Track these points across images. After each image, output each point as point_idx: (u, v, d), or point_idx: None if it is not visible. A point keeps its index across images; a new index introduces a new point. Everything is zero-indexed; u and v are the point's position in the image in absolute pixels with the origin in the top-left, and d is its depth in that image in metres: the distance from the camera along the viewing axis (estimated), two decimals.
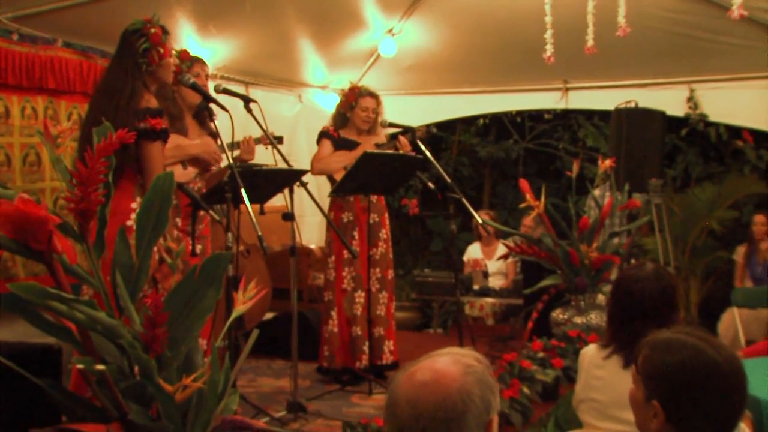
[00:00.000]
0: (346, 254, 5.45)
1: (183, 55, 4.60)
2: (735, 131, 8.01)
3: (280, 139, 5.10)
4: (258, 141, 4.92)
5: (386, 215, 5.72)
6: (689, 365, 1.84)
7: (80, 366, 1.95)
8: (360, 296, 5.52)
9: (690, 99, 7.44)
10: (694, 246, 8.05)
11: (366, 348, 5.46)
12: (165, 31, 3.81)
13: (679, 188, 8.47)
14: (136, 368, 2.16)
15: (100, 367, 2.00)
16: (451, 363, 1.62)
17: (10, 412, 2.21)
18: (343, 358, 5.52)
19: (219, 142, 4.33)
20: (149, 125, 3.54)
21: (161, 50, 3.76)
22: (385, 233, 5.67)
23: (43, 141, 2.18)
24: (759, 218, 7.32)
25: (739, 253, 7.40)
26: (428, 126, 6.47)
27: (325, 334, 5.58)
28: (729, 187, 8.08)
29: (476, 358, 1.66)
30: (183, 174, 4.38)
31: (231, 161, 4.14)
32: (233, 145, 4.65)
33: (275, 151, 4.72)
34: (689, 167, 8.67)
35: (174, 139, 4.16)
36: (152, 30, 3.75)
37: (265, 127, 4.68)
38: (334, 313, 5.55)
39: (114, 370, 2.09)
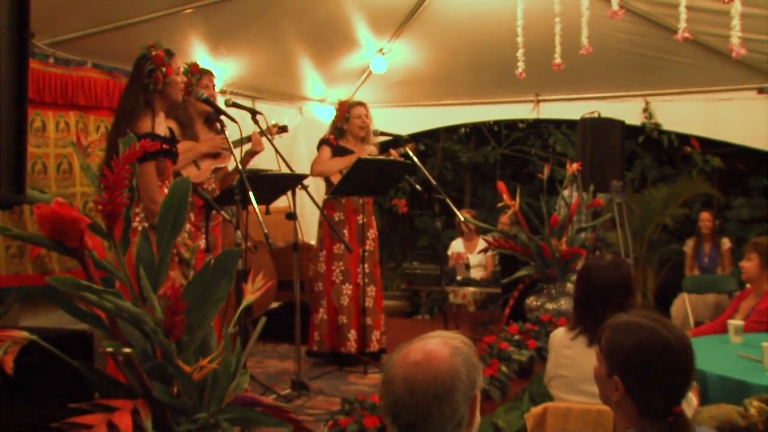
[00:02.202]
0: (335, 249, 5.46)
1: (193, 68, 4.59)
2: (684, 138, 8.03)
3: (284, 128, 5.12)
4: (262, 133, 4.83)
5: (373, 217, 5.72)
6: (645, 344, 1.86)
7: (109, 349, 1.96)
8: (348, 288, 5.49)
9: (645, 110, 7.45)
10: (651, 239, 8.09)
11: (350, 335, 5.46)
12: (169, 54, 3.80)
13: (637, 189, 8.50)
14: (159, 351, 2.17)
15: (127, 350, 2.00)
16: (440, 345, 1.62)
17: (49, 389, 2.22)
18: (331, 342, 5.51)
19: (230, 150, 4.32)
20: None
21: (164, 69, 3.76)
22: (373, 232, 5.67)
23: (75, 151, 2.18)
24: (705, 215, 7.37)
25: (689, 245, 7.44)
26: (416, 138, 6.47)
27: (315, 321, 5.56)
28: (680, 187, 8.12)
29: (462, 340, 1.66)
30: (198, 174, 4.39)
31: (241, 168, 4.14)
32: (242, 141, 4.67)
33: (279, 157, 4.73)
34: (645, 170, 8.70)
35: (185, 144, 4.16)
36: (154, 52, 3.76)
37: (270, 127, 4.71)
38: (323, 302, 5.54)
39: (139, 353, 2.10)
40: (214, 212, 4.20)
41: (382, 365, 5.37)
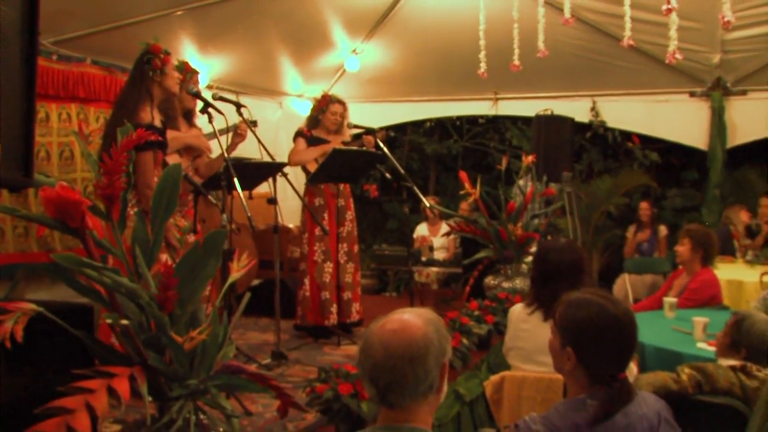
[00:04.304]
0: (317, 231, 5.45)
1: (186, 66, 4.56)
2: (627, 135, 8.11)
3: (255, 123, 5.10)
4: (246, 124, 4.81)
5: (351, 200, 5.72)
6: (594, 318, 1.88)
7: (109, 321, 1.95)
8: (329, 266, 5.50)
9: (593, 109, 7.54)
10: (596, 225, 8.17)
11: (333, 309, 5.47)
12: (166, 51, 3.81)
13: (585, 180, 8.56)
14: (153, 323, 2.16)
15: (125, 321, 2.00)
16: (415, 316, 1.64)
17: (54, 357, 2.21)
18: (315, 317, 5.51)
19: (215, 135, 4.29)
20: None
21: (162, 56, 3.74)
22: (350, 215, 5.67)
23: (77, 139, 2.17)
24: (644, 204, 7.47)
25: (630, 231, 7.53)
26: (386, 129, 6.47)
27: (299, 297, 5.57)
28: (622, 179, 8.19)
29: (434, 315, 1.68)
30: (180, 161, 4.35)
31: (227, 156, 4.12)
32: (228, 129, 4.64)
33: (261, 147, 4.70)
34: (592, 163, 8.76)
35: (172, 133, 4.13)
36: (152, 42, 3.74)
37: (252, 127, 4.68)
38: (306, 281, 5.53)
39: (135, 325, 2.10)
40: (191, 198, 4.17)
41: (355, 338, 5.39)
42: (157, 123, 3.74)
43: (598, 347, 1.86)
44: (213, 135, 4.31)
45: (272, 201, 4.64)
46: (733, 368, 2.57)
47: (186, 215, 4.15)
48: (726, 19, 4.20)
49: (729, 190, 7.54)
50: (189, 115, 4.55)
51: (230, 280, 2.49)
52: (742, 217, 6.61)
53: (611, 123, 7.60)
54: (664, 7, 4.27)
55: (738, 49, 6.28)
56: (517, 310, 3.13)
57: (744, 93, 6.96)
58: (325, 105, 5.60)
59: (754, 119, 6.95)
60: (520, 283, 5.14)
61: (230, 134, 4.75)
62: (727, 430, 2.45)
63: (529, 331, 3.01)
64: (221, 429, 2.29)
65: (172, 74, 3.86)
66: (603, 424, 1.79)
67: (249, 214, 3.95)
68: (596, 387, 1.86)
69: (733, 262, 6.16)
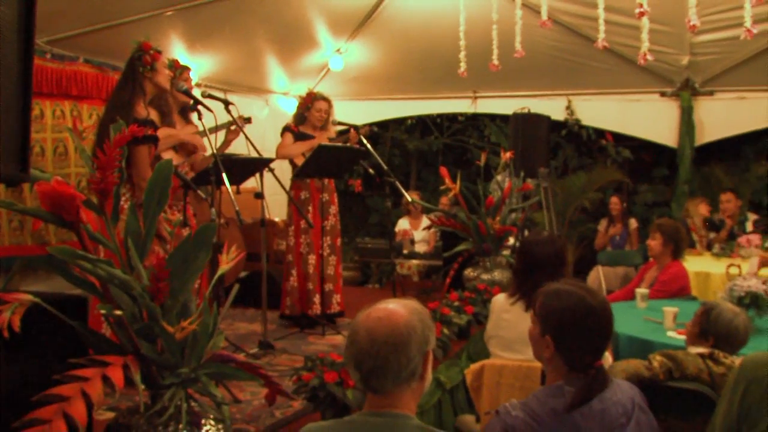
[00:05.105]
0: (302, 224, 5.45)
1: (176, 63, 4.54)
2: (600, 133, 8.15)
3: (249, 120, 5.10)
4: (235, 123, 4.80)
5: (335, 194, 5.72)
6: (573, 309, 1.89)
7: (103, 311, 1.95)
8: (313, 258, 5.50)
9: (568, 107, 7.58)
10: (571, 219, 8.21)
11: (316, 300, 5.48)
12: (156, 48, 3.79)
13: (560, 175, 8.58)
14: (145, 313, 2.16)
15: (118, 312, 1.99)
16: (400, 306, 1.65)
17: (50, 347, 2.19)
18: (301, 306, 5.53)
19: (205, 134, 4.27)
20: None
21: (152, 53, 3.72)
22: (334, 209, 5.67)
23: (71, 136, 2.17)
24: (613, 199, 7.52)
25: (601, 224, 7.58)
26: (370, 125, 6.47)
27: (287, 288, 5.57)
28: (596, 175, 8.23)
29: (419, 305, 1.69)
30: (174, 157, 4.33)
31: (215, 152, 4.10)
32: (221, 127, 4.63)
33: (249, 143, 4.69)
34: (567, 159, 8.79)
35: (165, 130, 4.11)
36: (142, 39, 3.73)
37: (240, 124, 4.69)
38: (294, 272, 5.54)
39: (128, 315, 2.09)
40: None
41: (339, 328, 5.40)
42: (152, 118, 3.73)
43: (576, 336, 1.87)
44: (211, 131, 4.30)
45: (259, 195, 4.63)
46: (701, 355, 2.60)
47: (181, 210, 4.14)
48: (692, 23, 4.25)
49: (697, 186, 7.62)
50: (185, 112, 4.53)
51: (219, 272, 2.49)
52: (701, 210, 6.65)
53: (586, 121, 7.64)
54: (637, 10, 4.31)
55: (705, 51, 6.35)
56: (500, 300, 3.13)
57: (711, 93, 7.04)
58: (310, 102, 5.60)
59: (721, 118, 7.04)
60: (499, 274, 5.17)
61: (225, 131, 4.77)
62: (696, 414, 2.49)
63: (510, 321, 3.01)
64: (211, 416, 2.29)
65: (163, 71, 3.85)
66: (580, 409, 1.80)
67: (237, 208, 3.94)
68: (573, 374, 1.87)
69: (701, 254, 6.23)
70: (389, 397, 1.62)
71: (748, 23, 4.08)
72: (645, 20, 4.45)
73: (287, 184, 5.46)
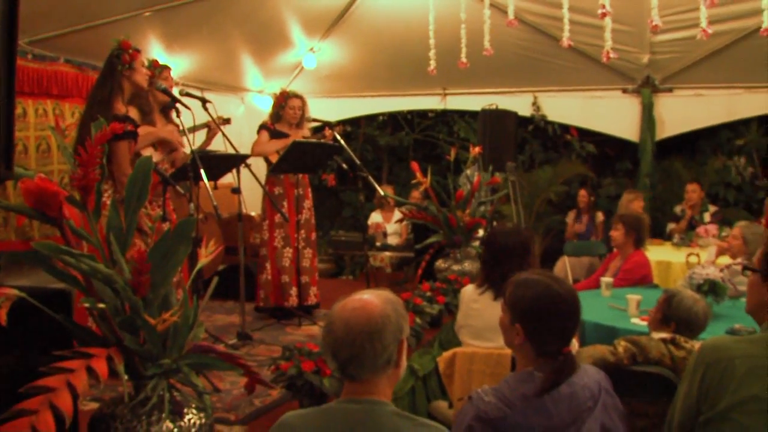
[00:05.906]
0: (276, 219, 5.44)
1: (155, 63, 4.50)
2: (565, 128, 8.22)
3: (228, 120, 5.08)
4: (214, 121, 4.79)
5: (309, 189, 5.71)
6: (541, 297, 1.91)
7: (86, 305, 1.93)
8: (288, 252, 5.50)
9: (534, 103, 7.66)
10: (538, 212, 8.28)
11: (292, 292, 5.48)
12: (135, 47, 3.76)
13: (527, 169, 8.64)
14: (127, 306, 2.15)
15: (101, 305, 1.98)
16: (375, 296, 1.67)
17: (35, 339, 2.18)
18: (275, 298, 5.52)
19: (183, 132, 4.25)
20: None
21: (130, 52, 3.69)
22: (308, 203, 5.67)
23: (53, 134, 2.13)
24: (582, 191, 7.60)
25: (570, 216, 7.66)
26: (342, 123, 6.47)
27: (260, 281, 5.56)
28: (561, 168, 8.30)
29: (393, 296, 1.71)
30: (154, 155, 4.30)
31: (192, 148, 4.08)
32: (199, 126, 4.61)
33: (226, 140, 4.68)
34: (534, 154, 8.85)
35: (146, 128, 4.08)
36: (122, 38, 3.70)
37: (216, 119, 4.68)
38: (267, 265, 5.53)
39: (111, 308, 2.08)
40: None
41: (315, 318, 5.41)
42: (132, 116, 3.70)
43: (545, 324, 1.89)
44: (191, 130, 4.28)
45: (236, 191, 4.62)
46: (663, 340, 2.65)
47: (161, 205, 4.11)
48: (654, 23, 4.32)
49: (658, 179, 7.75)
50: (166, 111, 4.49)
51: (199, 265, 2.48)
52: (635, 206, 6.63)
53: (551, 117, 7.73)
54: (600, 11, 4.37)
55: (665, 50, 6.46)
56: (469, 290, 3.15)
57: (670, 90, 7.17)
58: (284, 100, 5.60)
59: (680, 114, 7.18)
60: (469, 265, 5.20)
61: (206, 130, 4.76)
62: (659, 396, 2.54)
63: (479, 310, 3.04)
64: (193, 405, 2.29)
65: (141, 69, 3.82)
66: (549, 394, 1.83)
67: (215, 203, 3.93)
68: (542, 360, 1.89)
69: (662, 244, 6.34)
70: (366, 384, 1.64)
71: (704, 24, 4.16)
72: (608, 20, 4.51)
73: (263, 179, 5.45)
